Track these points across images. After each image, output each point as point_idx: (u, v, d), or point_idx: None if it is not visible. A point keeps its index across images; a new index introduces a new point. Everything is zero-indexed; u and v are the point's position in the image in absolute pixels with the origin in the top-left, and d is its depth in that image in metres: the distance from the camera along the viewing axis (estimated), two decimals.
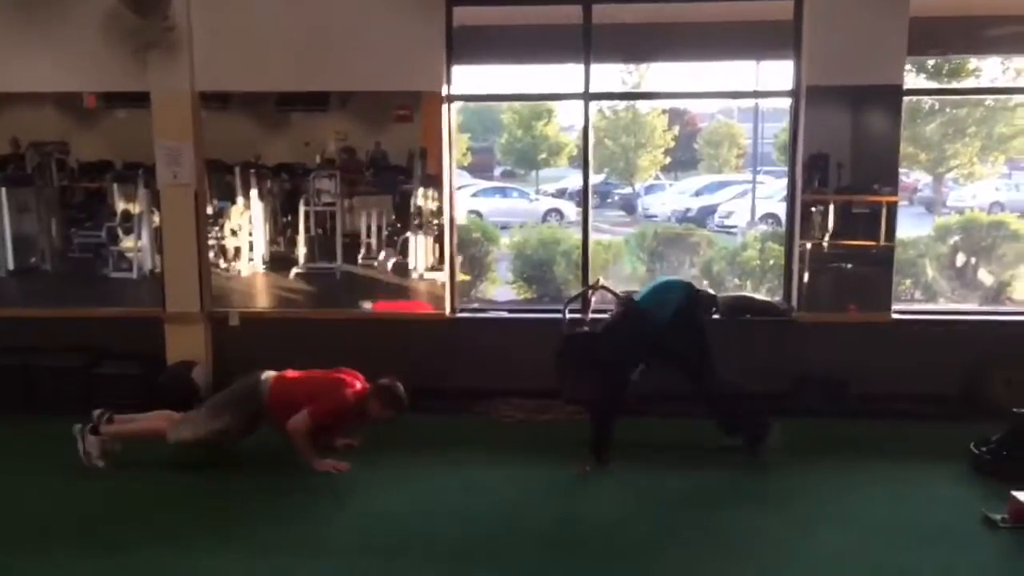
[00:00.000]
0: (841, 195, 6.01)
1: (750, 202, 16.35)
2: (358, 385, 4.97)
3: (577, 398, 5.31)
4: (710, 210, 16.70)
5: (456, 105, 6.41)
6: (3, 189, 7.54)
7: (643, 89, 15.00)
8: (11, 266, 7.63)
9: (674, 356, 5.04)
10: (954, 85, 11.10)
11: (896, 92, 5.83)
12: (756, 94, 8.93)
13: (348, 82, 6.16)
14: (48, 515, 4.40)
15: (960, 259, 8.09)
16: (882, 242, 5.98)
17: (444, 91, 6.11)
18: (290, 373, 5.02)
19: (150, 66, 5.96)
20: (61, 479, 4.81)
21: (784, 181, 6.58)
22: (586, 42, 6.05)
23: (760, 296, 6.92)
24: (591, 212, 6.56)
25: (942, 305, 7.66)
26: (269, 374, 4.99)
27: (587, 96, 6.22)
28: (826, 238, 6.05)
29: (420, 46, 5.98)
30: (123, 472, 4.88)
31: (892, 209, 5.97)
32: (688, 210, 17.14)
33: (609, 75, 17.10)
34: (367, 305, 6.49)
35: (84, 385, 5.97)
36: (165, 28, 5.85)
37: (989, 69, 11.41)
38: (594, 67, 6.16)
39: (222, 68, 6.02)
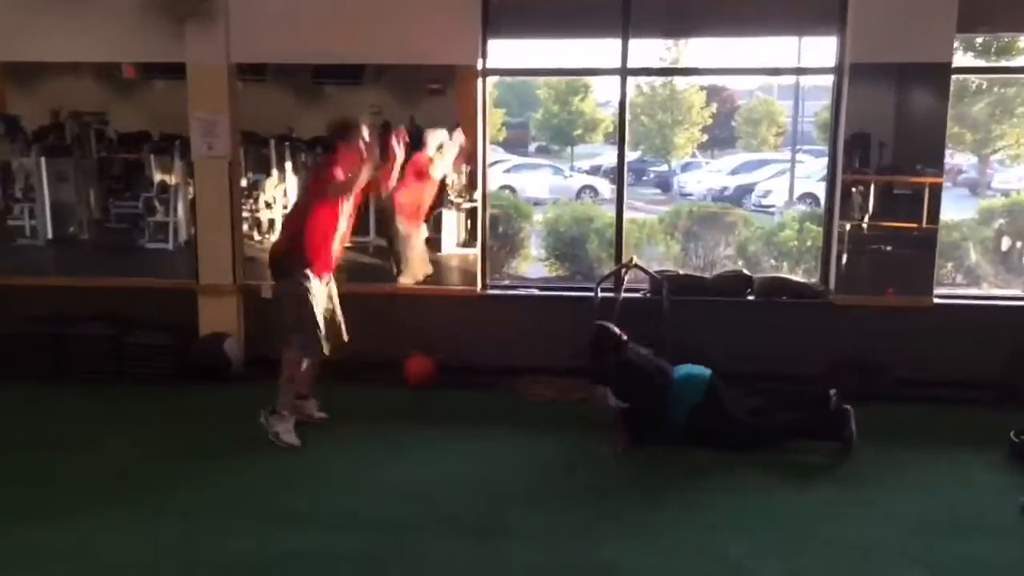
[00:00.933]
0: (883, 175, 5.87)
1: (788, 181, 16.11)
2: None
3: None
4: (747, 189, 16.50)
5: (492, 80, 6.34)
6: (43, 159, 7.66)
7: (681, 65, 14.76)
8: (50, 235, 7.76)
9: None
10: (1003, 64, 10.77)
11: (944, 70, 5.65)
12: (798, 71, 8.76)
13: (384, 55, 6.12)
14: (74, 484, 4.44)
15: (1005, 243, 7.88)
16: (924, 224, 5.83)
17: (479, 65, 6.03)
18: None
19: (186, 37, 5.95)
20: (86, 447, 4.88)
21: (824, 160, 6.43)
22: (625, 17, 5.94)
23: (796, 278, 6.80)
24: (626, 190, 6.47)
25: (985, 290, 7.47)
26: None
27: (624, 71, 6.11)
28: (866, 219, 5.91)
29: (456, 19, 5.90)
30: (148, 439, 4.96)
31: (936, 191, 5.81)
32: (725, 189, 16.95)
33: (647, 51, 16.91)
34: None
35: (114, 354, 6.03)
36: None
37: None
38: (632, 42, 6.05)
39: (258, 40, 6.00)
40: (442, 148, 6.40)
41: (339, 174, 4.78)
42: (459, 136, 6.29)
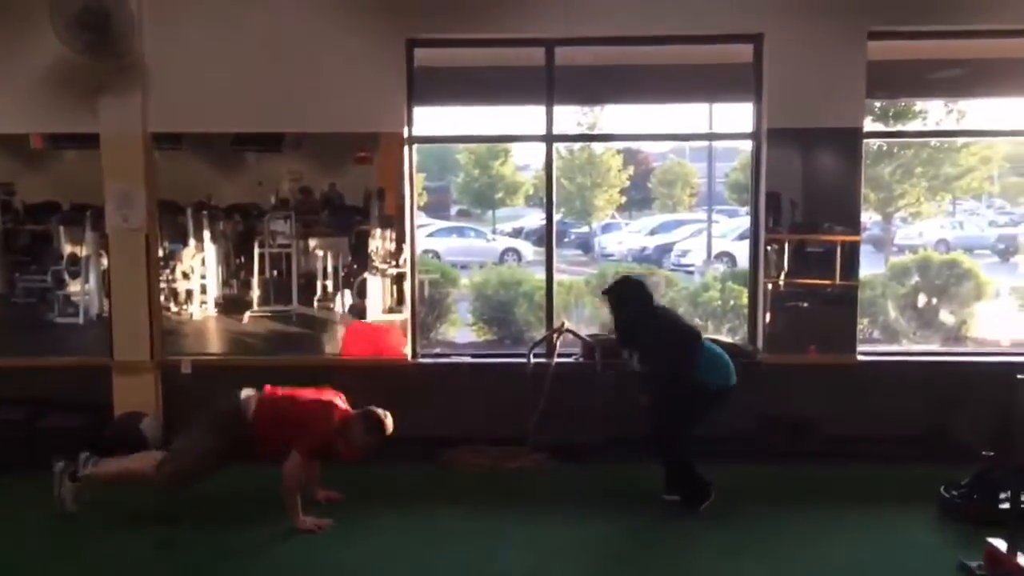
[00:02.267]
0: (797, 234, 6.02)
1: (705, 241, 16.51)
2: (340, 408, 4.81)
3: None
4: (666, 249, 16.83)
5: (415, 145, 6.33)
6: None
7: (599, 130, 15.09)
8: None
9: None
10: (900, 128, 11.36)
11: (856, 135, 5.89)
12: (717, 136, 9.02)
13: (308, 123, 6.05)
14: None
15: (922, 300, 8.17)
16: (839, 281, 6.00)
17: (406, 133, 6.01)
18: (275, 391, 4.85)
19: (101, 107, 5.78)
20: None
21: (737, 220, 6.60)
22: (549, 84, 6.04)
23: (725, 338, 6.89)
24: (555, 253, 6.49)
25: (906, 346, 7.71)
26: (249, 392, 4.82)
27: (550, 138, 6.18)
28: (782, 277, 6.05)
29: (381, 88, 5.90)
30: (70, 530, 4.63)
31: (854, 248, 6.01)
32: (644, 249, 17.26)
33: (565, 116, 17.28)
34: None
35: (25, 439, 5.68)
36: (118, 69, 5.69)
37: (934, 112, 11.73)
38: (555, 108, 6.14)
39: (175, 108, 5.88)
40: None
41: (324, 445, 4.71)
42: None
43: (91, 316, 7.23)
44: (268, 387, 4.90)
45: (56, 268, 7.58)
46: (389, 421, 4.77)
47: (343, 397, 4.92)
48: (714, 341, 6.43)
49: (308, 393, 4.89)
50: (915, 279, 8.25)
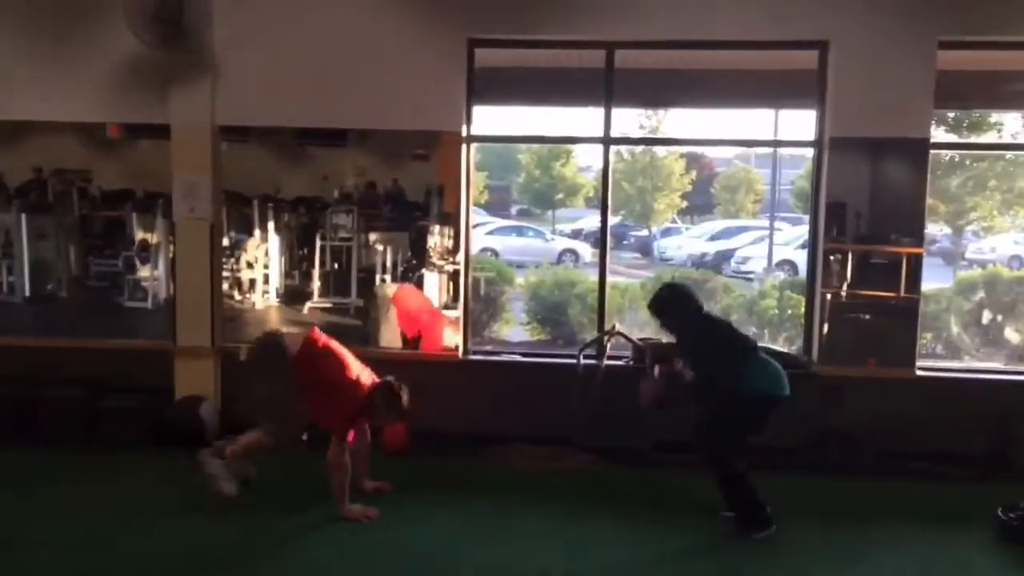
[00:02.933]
0: (861, 244, 5.91)
1: (767, 248, 16.27)
2: (367, 383, 4.89)
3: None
4: (726, 255, 16.65)
5: (474, 144, 6.40)
6: (23, 215, 7.57)
7: (661, 133, 15.03)
8: (28, 292, 7.64)
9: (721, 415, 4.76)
10: (975, 139, 11.06)
11: (923, 145, 5.76)
12: (778, 143, 8.93)
13: (369, 120, 6.16)
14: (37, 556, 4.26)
15: (986, 316, 7.94)
16: (902, 294, 5.87)
17: (464, 132, 6.08)
18: (322, 339, 4.95)
19: (171, 99, 5.98)
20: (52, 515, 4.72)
21: (801, 228, 6.50)
22: (608, 86, 6.03)
23: (778, 347, 6.80)
24: (608, 254, 6.49)
25: (967, 363, 7.50)
26: (290, 333, 5.03)
27: (607, 140, 6.18)
28: (844, 287, 5.94)
29: (441, 87, 5.97)
30: (128, 516, 4.76)
31: (916, 261, 5.87)
32: (704, 254, 17.08)
33: (628, 119, 17.25)
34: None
35: (88, 418, 5.89)
36: (189, 62, 5.88)
37: (1010, 124, 11.40)
38: (614, 111, 6.14)
39: (243, 102, 6.03)
40: None
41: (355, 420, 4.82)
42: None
43: (159, 301, 7.47)
44: (313, 333, 5.00)
45: (127, 254, 7.87)
46: (405, 394, 4.81)
47: (368, 371, 4.97)
48: (766, 351, 6.40)
49: (344, 360, 4.94)
50: (980, 294, 8.01)
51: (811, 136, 6.04)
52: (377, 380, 4.90)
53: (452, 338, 6.29)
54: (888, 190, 5.95)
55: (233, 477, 4.85)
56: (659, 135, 15.31)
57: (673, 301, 4.94)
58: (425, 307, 6.42)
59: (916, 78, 5.65)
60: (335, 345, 4.99)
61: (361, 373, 4.93)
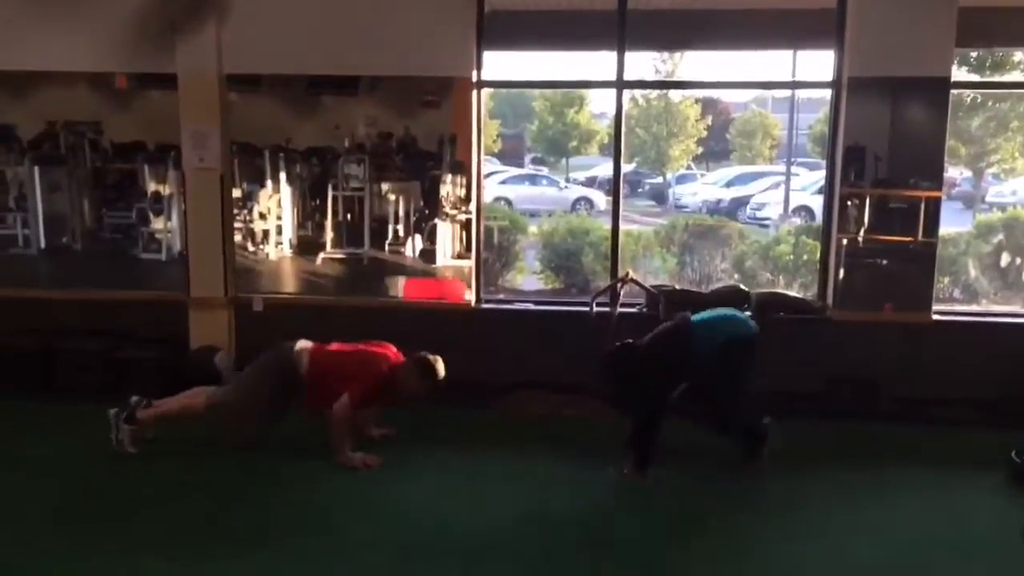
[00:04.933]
0: (878, 189, 5.82)
1: (783, 194, 16.11)
2: (391, 357, 4.89)
3: (621, 408, 5.08)
4: (742, 202, 16.50)
5: (487, 91, 6.31)
6: (36, 168, 7.58)
7: (676, 78, 14.77)
8: (43, 245, 7.69)
9: (707, 381, 4.79)
10: (998, 79, 10.80)
11: (943, 85, 5.63)
12: (795, 84, 8.75)
13: (378, 66, 6.07)
14: (56, 502, 4.34)
15: (1004, 259, 7.83)
16: (920, 238, 5.79)
17: (474, 77, 5.99)
18: (330, 345, 4.94)
19: (178, 48, 5.91)
20: (74, 464, 4.79)
21: (818, 173, 6.41)
22: (620, 29, 5.91)
23: (793, 293, 6.76)
24: (622, 202, 6.43)
25: (984, 307, 7.43)
26: (304, 344, 4.91)
27: (620, 84, 6.08)
28: (862, 233, 5.86)
29: (451, 31, 5.87)
30: (136, 460, 4.81)
31: (934, 205, 5.78)
32: (720, 201, 16.94)
33: (642, 63, 16.99)
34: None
35: (104, 370, 5.96)
36: (195, 9, 5.80)
37: None
38: (628, 55, 6.02)
39: (251, 50, 5.96)
40: None
41: (375, 392, 4.78)
42: None
43: (173, 253, 7.50)
44: (319, 344, 4.98)
45: (140, 206, 7.87)
46: (441, 366, 4.82)
47: (392, 349, 4.98)
48: (780, 295, 6.37)
49: (361, 346, 4.97)
50: (999, 237, 7.89)
51: (829, 77, 5.91)
52: (402, 357, 4.90)
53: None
54: (907, 132, 5.83)
55: (136, 441, 4.81)
56: (674, 79, 15.01)
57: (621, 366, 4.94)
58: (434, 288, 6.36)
59: (937, 15, 5.50)
60: (343, 345, 4.97)
61: (385, 349, 4.94)
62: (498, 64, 6.24)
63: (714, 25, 6.58)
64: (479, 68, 6.01)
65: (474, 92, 6.03)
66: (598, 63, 6.97)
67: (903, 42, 5.54)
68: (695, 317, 4.90)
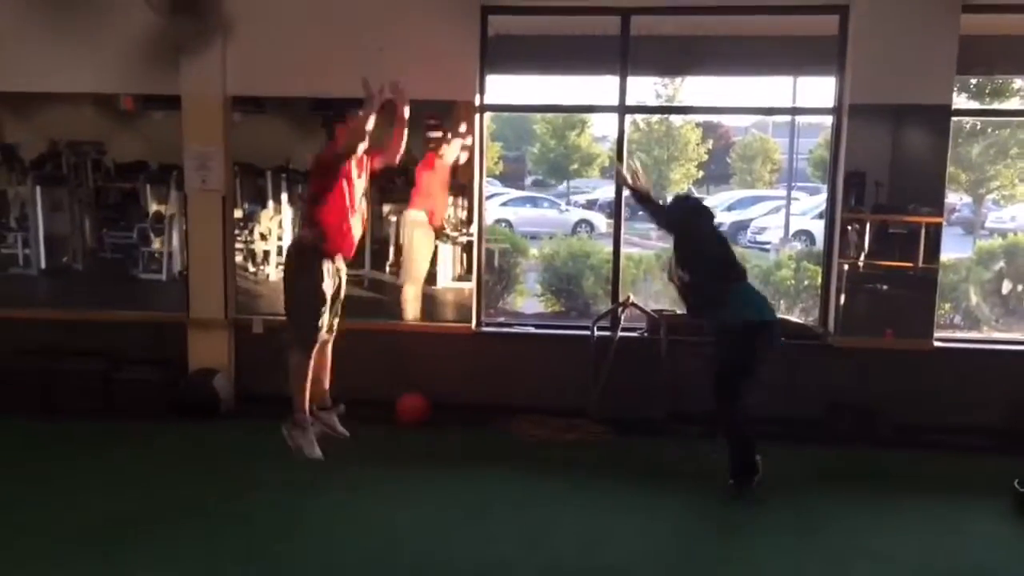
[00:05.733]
0: (880, 214, 5.83)
1: (784, 218, 16.13)
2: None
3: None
4: (742, 225, 16.50)
5: (488, 114, 6.32)
6: (38, 187, 7.58)
7: (678, 102, 14.85)
8: (43, 264, 7.67)
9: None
10: (997, 106, 10.85)
11: (944, 112, 5.65)
12: (797, 111, 8.75)
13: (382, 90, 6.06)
14: (49, 525, 4.30)
15: (1006, 286, 7.82)
16: (921, 264, 5.79)
17: (477, 101, 6.01)
18: None
19: (182, 70, 5.94)
20: (70, 486, 4.76)
21: (818, 198, 6.42)
22: (623, 54, 5.94)
23: (794, 318, 6.75)
24: (622, 225, 6.44)
25: (985, 333, 7.41)
26: None
27: (623, 109, 6.10)
28: (862, 258, 5.86)
29: (454, 55, 5.90)
30: (131, 489, 4.77)
31: (935, 230, 5.78)
32: (720, 225, 16.92)
33: (644, 87, 17.08)
34: None
35: (103, 391, 5.95)
36: (200, 32, 5.83)
37: None
38: (630, 79, 6.05)
39: (254, 72, 5.99)
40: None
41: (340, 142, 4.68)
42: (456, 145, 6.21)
43: (173, 273, 7.49)
44: None
45: (141, 226, 7.87)
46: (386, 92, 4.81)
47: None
48: (781, 320, 6.34)
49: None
50: (1000, 264, 7.88)
51: (830, 103, 5.94)
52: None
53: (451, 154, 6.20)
54: (908, 158, 5.84)
55: (315, 438, 4.69)
56: (676, 103, 15.09)
57: (699, 210, 5.07)
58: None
59: (938, 42, 5.53)
60: None
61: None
62: (500, 88, 6.26)
63: (716, 50, 6.62)
64: (482, 92, 6.03)
65: (477, 116, 6.04)
66: (600, 87, 6.99)
67: (904, 69, 5.56)
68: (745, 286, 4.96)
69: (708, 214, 5.09)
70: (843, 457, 5.38)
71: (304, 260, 4.71)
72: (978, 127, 12.52)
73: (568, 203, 20.18)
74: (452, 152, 6.19)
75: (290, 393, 4.68)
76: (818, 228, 13.97)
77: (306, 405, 4.71)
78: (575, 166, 21.90)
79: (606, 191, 20.27)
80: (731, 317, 4.71)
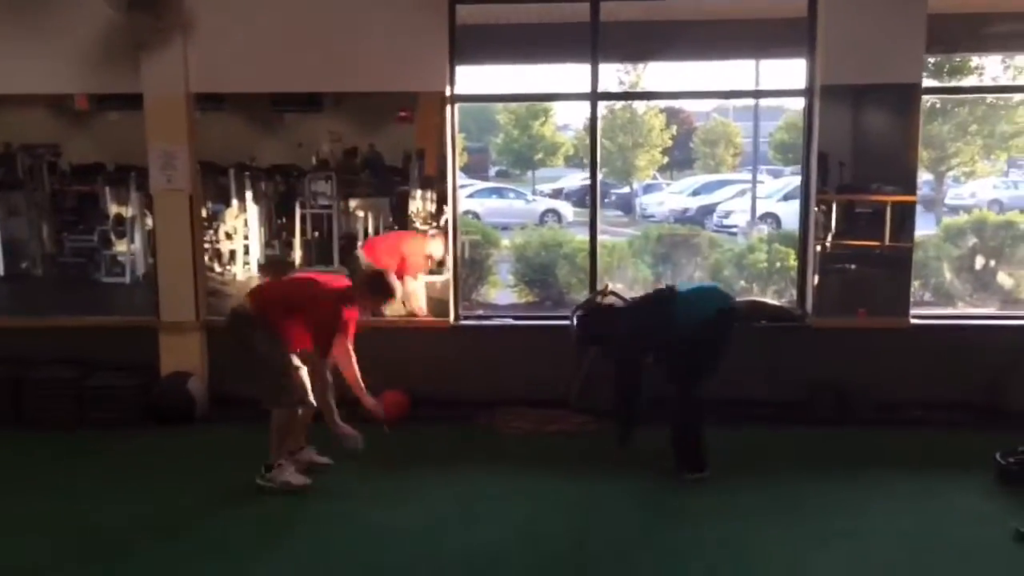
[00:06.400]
0: (852, 194, 5.84)
1: (750, 202, 16.23)
2: (337, 285, 4.77)
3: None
4: (708, 210, 16.59)
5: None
6: None
7: (641, 88, 14.83)
8: (1, 271, 7.48)
9: (679, 357, 4.81)
10: (954, 84, 11.00)
11: (914, 91, 5.67)
12: (768, 93, 8.71)
13: (351, 83, 5.97)
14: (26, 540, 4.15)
15: (979, 262, 7.91)
16: (895, 243, 5.81)
17: (447, 91, 5.91)
18: (263, 286, 4.90)
19: (143, 67, 5.76)
20: (43, 500, 4.61)
21: (781, 180, 6.43)
22: (593, 40, 5.88)
23: (772, 300, 6.76)
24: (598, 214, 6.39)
25: (961, 310, 7.50)
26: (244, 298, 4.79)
27: (595, 96, 6.04)
28: (829, 238, 5.88)
29: (423, 45, 5.79)
30: (116, 495, 4.65)
31: (908, 209, 5.81)
32: (686, 210, 17.02)
33: (607, 74, 17.04)
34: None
35: (75, 399, 5.77)
36: (161, 28, 5.66)
37: (990, 67, 11.35)
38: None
39: (217, 69, 5.83)
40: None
41: (334, 323, 4.63)
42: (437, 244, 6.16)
43: (137, 276, 7.34)
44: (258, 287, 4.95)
45: (103, 228, 7.69)
46: (392, 278, 4.76)
47: (338, 277, 4.91)
48: (760, 304, 6.37)
49: (305, 278, 4.93)
50: (973, 241, 7.97)
51: (799, 85, 5.93)
52: (344, 281, 4.85)
53: (437, 250, 6.14)
54: (878, 138, 5.88)
55: (296, 469, 4.69)
56: (639, 90, 15.09)
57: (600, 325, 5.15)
58: (395, 245, 6.26)
59: (907, 21, 5.55)
60: (289, 277, 4.92)
61: (325, 280, 4.84)
62: (465, 78, 6.17)
63: (683, 35, 6.60)
64: (452, 83, 5.94)
65: (448, 107, 5.94)
66: (564, 75, 6.94)
67: (874, 49, 5.57)
68: (681, 288, 4.98)
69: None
70: (824, 437, 5.40)
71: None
72: (938, 106, 12.68)
73: (534, 193, 20.13)
74: (437, 248, 6.12)
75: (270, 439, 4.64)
76: (783, 210, 14.12)
77: (281, 455, 4.65)
78: (540, 155, 21.85)
79: (571, 180, 20.28)
80: (682, 329, 4.71)
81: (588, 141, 6.33)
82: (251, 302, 4.68)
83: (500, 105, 19.86)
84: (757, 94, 11.56)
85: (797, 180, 6.33)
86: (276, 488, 4.57)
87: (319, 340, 4.56)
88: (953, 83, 10.98)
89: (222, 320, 5.02)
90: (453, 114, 6.03)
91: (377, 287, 4.72)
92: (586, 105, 6.10)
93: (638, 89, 14.76)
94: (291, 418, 4.63)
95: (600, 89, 6.13)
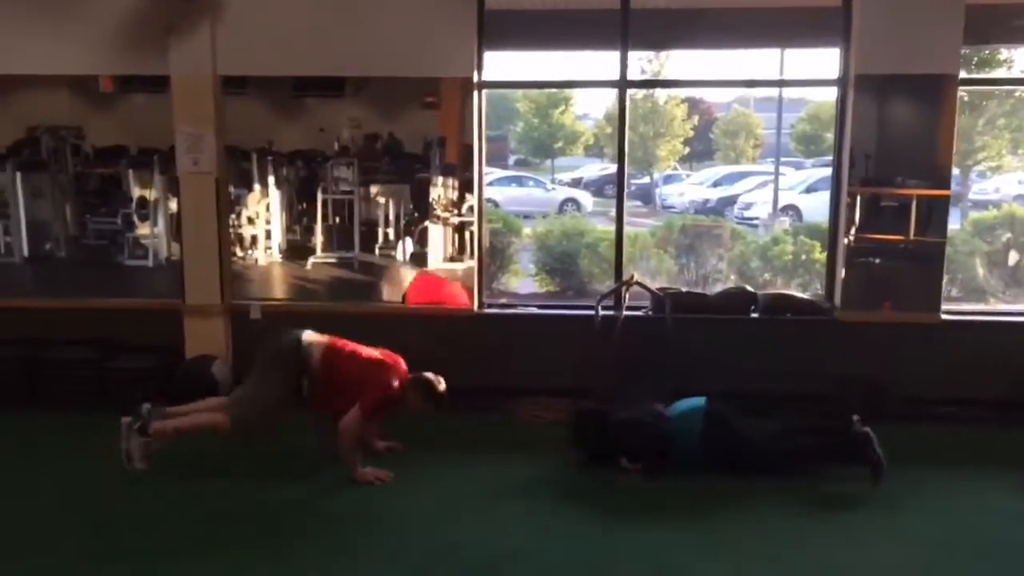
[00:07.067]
0: (884, 187, 5.75)
1: (771, 194, 16.09)
2: (402, 371, 4.77)
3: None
4: (729, 201, 16.46)
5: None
6: (18, 174, 7.40)
7: (664, 76, 14.68)
8: (26, 252, 7.49)
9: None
10: (984, 75, 10.83)
11: (950, 82, 5.57)
12: (800, 83, 8.61)
13: (376, 67, 5.93)
14: (41, 523, 4.17)
15: (1013, 257, 7.79)
16: (929, 237, 5.72)
17: (475, 77, 5.86)
18: (340, 343, 4.80)
19: (171, 49, 5.74)
20: (61, 481, 4.63)
21: (803, 172, 6.34)
22: (624, 28, 5.81)
23: (800, 294, 6.68)
24: (612, 203, 6.33)
25: (992, 306, 7.39)
26: (311, 336, 4.76)
27: (623, 83, 5.97)
28: (852, 232, 5.78)
29: (451, 31, 5.74)
30: (131, 480, 4.60)
31: (942, 203, 5.72)
32: (707, 201, 16.91)
33: (631, 63, 16.91)
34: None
35: (97, 380, 5.77)
36: (189, 10, 5.63)
37: (1020, 60, 11.17)
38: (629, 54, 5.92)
39: (245, 51, 5.81)
40: None
41: (384, 405, 4.65)
42: None
43: (160, 259, 7.33)
44: (333, 339, 4.83)
45: (126, 211, 7.69)
46: (442, 386, 4.73)
47: (400, 360, 4.86)
48: (787, 296, 6.29)
49: (372, 351, 4.84)
50: (1007, 236, 7.85)
51: (830, 75, 5.84)
52: (406, 372, 4.80)
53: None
54: (906, 130, 5.77)
55: (150, 455, 4.60)
56: (662, 78, 14.93)
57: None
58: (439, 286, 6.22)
59: (945, 11, 5.45)
60: (356, 347, 4.84)
61: (396, 358, 4.83)
62: (490, 65, 6.12)
63: (712, 23, 6.50)
64: (480, 69, 5.88)
65: (475, 93, 5.89)
66: (588, 62, 6.87)
67: (911, 39, 5.48)
68: (672, 412, 4.90)
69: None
70: None
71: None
72: (966, 99, 12.50)
73: (553, 182, 20.05)
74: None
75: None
76: (804, 202, 13.99)
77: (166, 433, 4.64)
78: (559, 144, 21.77)
79: (590, 169, 20.19)
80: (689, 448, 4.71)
81: (609, 130, 6.29)
82: (321, 357, 4.68)
83: (520, 93, 19.78)
84: (787, 84, 11.41)
85: (819, 172, 6.25)
86: (121, 439, 4.53)
87: (367, 406, 4.56)
88: (981, 76, 10.81)
89: (274, 332, 4.92)
90: (481, 100, 5.97)
91: (428, 396, 4.71)
92: (607, 94, 6.09)
93: (661, 78, 14.60)
94: (216, 429, 4.62)
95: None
